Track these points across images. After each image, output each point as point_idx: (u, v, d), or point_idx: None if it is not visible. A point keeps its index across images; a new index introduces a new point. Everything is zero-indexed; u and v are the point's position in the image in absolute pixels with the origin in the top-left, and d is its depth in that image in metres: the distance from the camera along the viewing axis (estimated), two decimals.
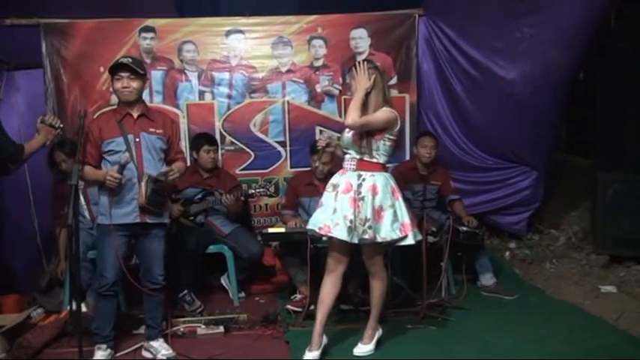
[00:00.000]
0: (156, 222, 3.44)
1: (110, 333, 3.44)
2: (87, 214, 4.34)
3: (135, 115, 3.42)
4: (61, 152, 4.32)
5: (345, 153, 3.45)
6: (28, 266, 4.75)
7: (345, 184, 3.33)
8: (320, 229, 3.33)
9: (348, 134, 3.39)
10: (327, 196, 3.38)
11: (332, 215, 3.31)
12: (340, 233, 3.26)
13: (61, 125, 3.52)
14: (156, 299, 3.52)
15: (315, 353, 3.37)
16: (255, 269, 4.75)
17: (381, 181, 3.33)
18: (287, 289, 4.59)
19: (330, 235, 3.30)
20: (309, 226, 3.40)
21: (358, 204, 3.29)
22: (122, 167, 3.27)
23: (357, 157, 3.36)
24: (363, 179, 3.32)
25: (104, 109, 4.82)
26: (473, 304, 4.27)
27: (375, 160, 3.36)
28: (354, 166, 3.36)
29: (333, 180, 3.42)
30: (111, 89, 4.92)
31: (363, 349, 3.47)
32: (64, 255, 4.36)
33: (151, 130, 3.44)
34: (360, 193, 3.30)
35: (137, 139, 3.39)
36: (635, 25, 4.92)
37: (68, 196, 4.23)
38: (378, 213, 3.29)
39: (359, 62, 3.38)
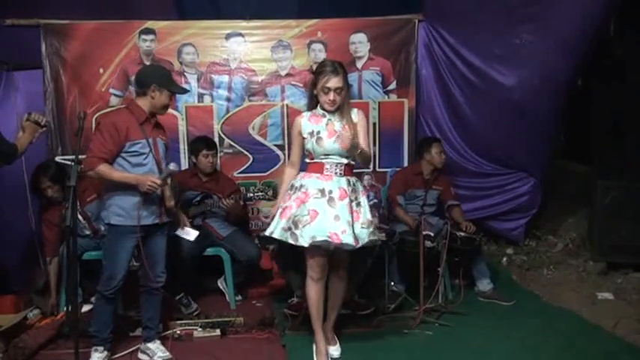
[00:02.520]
0: (167, 220, 3.50)
1: (109, 335, 3.43)
2: (87, 230, 4.34)
3: (152, 121, 3.44)
4: (45, 178, 4.23)
5: (319, 159, 3.37)
6: (24, 267, 4.74)
7: (338, 190, 3.29)
8: (330, 237, 3.20)
9: (334, 142, 3.32)
10: (318, 202, 3.26)
11: (335, 223, 3.22)
12: (349, 240, 3.21)
13: (46, 124, 3.49)
14: (155, 299, 3.52)
15: None
16: (253, 272, 4.74)
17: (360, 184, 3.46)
18: (284, 292, 4.58)
19: (342, 243, 3.20)
20: (319, 237, 3.20)
21: (355, 210, 3.32)
22: (168, 176, 3.32)
23: (344, 162, 3.36)
24: (354, 184, 3.38)
25: (111, 109, 4.89)
26: (470, 309, 4.27)
27: (353, 164, 3.43)
28: (342, 172, 3.35)
29: (315, 185, 3.29)
30: (111, 91, 5.00)
31: (337, 350, 3.50)
32: (55, 287, 4.30)
33: (161, 137, 3.49)
34: (356, 199, 3.35)
35: (155, 144, 3.42)
36: (634, 31, 4.94)
37: (57, 223, 4.23)
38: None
39: None
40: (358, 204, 3.35)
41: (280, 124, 5.23)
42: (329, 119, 3.38)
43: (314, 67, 5.12)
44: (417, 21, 5.28)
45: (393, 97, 5.33)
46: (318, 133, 3.35)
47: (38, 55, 4.89)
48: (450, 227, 4.34)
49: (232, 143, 5.19)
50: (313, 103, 3.44)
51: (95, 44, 4.98)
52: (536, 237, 5.65)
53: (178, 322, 3.98)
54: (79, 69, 4.99)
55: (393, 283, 4.35)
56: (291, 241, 3.27)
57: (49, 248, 4.37)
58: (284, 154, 5.21)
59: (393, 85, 5.32)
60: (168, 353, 3.49)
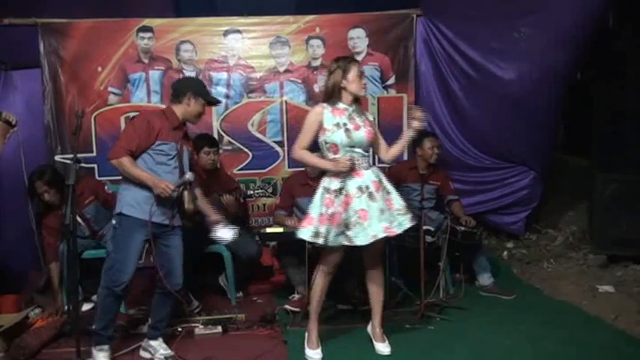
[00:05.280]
0: (178, 224, 3.53)
1: (112, 334, 3.44)
2: (86, 232, 4.36)
3: (183, 130, 3.54)
4: (41, 182, 4.21)
5: (345, 152, 3.36)
6: (25, 266, 4.75)
7: (372, 183, 3.34)
8: (386, 231, 3.27)
9: (361, 133, 3.36)
10: (362, 201, 3.29)
11: (382, 216, 3.29)
12: (399, 228, 3.33)
13: (17, 123, 3.46)
14: (168, 302, 3.54)
15: (319, 351, 3.45)
16: (253, 269, 4.74)
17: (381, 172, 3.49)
18: (285, 289, 4.59)
19: (397, 233, 3.32)
20: (380, 234, 3.25)
21: (387, 199, 3.38)
22: (182, 184, 3.36)
23: (367, 154, 3.42)
24: (378, 174, 3.41)
25: (103, 109, 4.98)
26: (471, 303, 4.27)
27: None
28: (367, 164, 3.39)
29: (353, 184, 3.30)
30: (109, 89, 5.00)
31: (387, 347, 3.51)
32: (58, 290, 4.31)
33: (188, 147, 3.59)
34: (385, 188, 3.40)
35: (181, 150, 3.49)
36: (633, 25, 4.93)
37: (57, 228, 4.23)
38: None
39: None
40: (388, 192, 3.41)
41: (279, 120, 5.23)
42: (350, 114, 3.40)
43: (312, 63, 5.19)
44: (415, 16, 5.28)
45: (392, 93, 5.33)
46: (345, 124, 3.34)
47: (36, 54, 4.89)
48: (450, 222, 4.35)
49: (231, 140, 5.19)
50: (334, 99, 3.41)
51: (93, 43, 4.98)
52: (537, 231, 5.65)
53: (179, 319, 3.99)
54: (78, 68, 4.99)
55: (393, 278, 4.35)
56: (345, 243, 3.29)
57: (50, 253, 4.37)
58: (283, 151, 5.22)
59: (391, 81, 5.32)
60: (170, 350, 3.49)
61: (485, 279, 4.62)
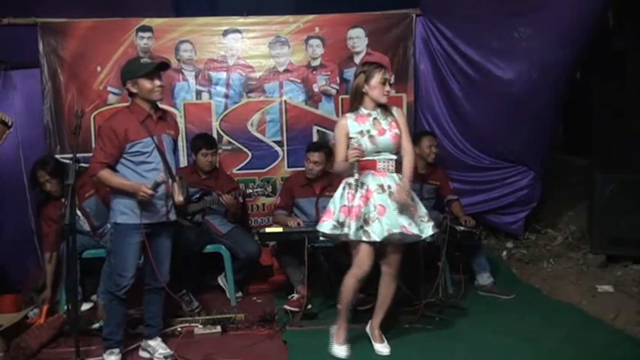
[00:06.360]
0: (174, 220, 3.50)
1: (121, 337, 3.44)
2: (86, 226, 4.34)
3: (155, 116, 3.40)
4: (43, 172, 4.23)
5: (371, 156, 3.38)
6: (25, 266, 4.74)
7: (395, 185, 3.35)
8: (402, 230, 3.28)
9: (387, 138, 3.38)
10: (382, 197, 3.31)
11: (400, 216, 3.30)
12: (417, 231, 3.33)
13: (12, 124, 3.45)
14: (158, 298, 3.53)
15: (345, 347, 3.45)
16: (253, 269, 4.75)
17: None
18: (284, 288, 4.59)
19: (413, 234, 3.32)
20: (395, 229, 3.25)
21: (412, 204, 3.38)
22: (157, 185, 3.30)
23: (394, 158, 3.41)
24: (401, 179, 3.41)
25: (110, 107, 4.96)
26: (470, 303, 4.28)
27: (399, 160, 3.46)
28: (393, 168, 3.41)
29: (374, 181, 3.33)
30: (109, 89, 4.99)
31: (386, 348, 3.50)
32: (50, 282, 4.30)
33: (168, 131, 3.47)
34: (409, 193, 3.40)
35: (160, 141, 3.39)
36: (633, 24, 4.93)
37: (56, 219, 4.20)
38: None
39: None
40: (412, 198, 3.41)
41: (279, 120, 5.23)
42: (374, 118, 3.42)
43: (312, 63, 5.18)
44: (414, 15, 5.27)
45: (392, 92, 5.25)
46: (369, 131, 3.38)
47: (36, 53, 4.89)
48: (449, 221, 4.34)
49: (231, 140, 5.19)
50: (356, 105, 3.46)
51: (92, 42, 4.97)
52: (536, 230, 5.64)
53: (179, 319, 4.00)
54: (77, 67, 4.98)
55: None
56: (364, 239, 3.28)
57: (47, 243, 4.36)
58: (283, 151, 5.22)
59: (391, 80, 5.28)
60: (169, 350, 3.49)
61: (484, 279, 4.62)
